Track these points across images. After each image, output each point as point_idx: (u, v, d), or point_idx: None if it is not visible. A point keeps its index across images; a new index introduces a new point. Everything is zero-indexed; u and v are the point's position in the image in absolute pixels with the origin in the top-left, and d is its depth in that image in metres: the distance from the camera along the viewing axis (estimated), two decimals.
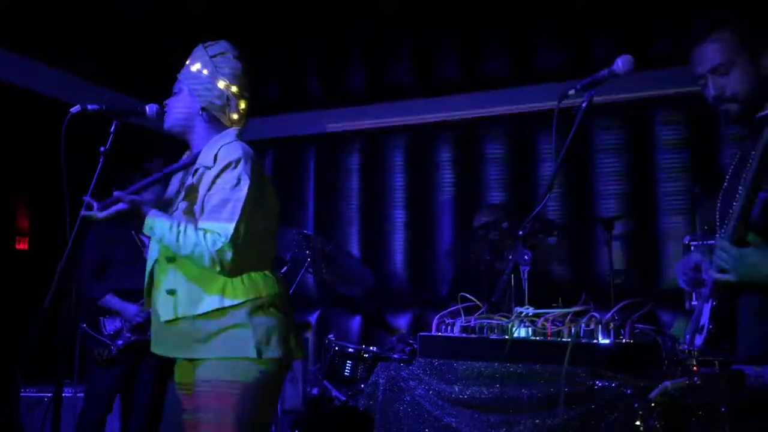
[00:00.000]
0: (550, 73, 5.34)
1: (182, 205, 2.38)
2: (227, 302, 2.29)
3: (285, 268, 4.34)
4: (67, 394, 3.99)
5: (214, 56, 2.47)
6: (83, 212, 2.27)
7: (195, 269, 2.30)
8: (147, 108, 2.41)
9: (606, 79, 2.15)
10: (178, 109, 2.46)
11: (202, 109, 2.44)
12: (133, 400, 4.16)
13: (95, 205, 2.29)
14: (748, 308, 1.94)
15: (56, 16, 4.51)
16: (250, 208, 2.29)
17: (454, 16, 4.75)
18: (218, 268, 2.23)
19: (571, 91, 2.16)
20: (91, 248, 4.10)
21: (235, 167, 2.30)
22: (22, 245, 5.05)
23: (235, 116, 2.48)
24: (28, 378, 4.45)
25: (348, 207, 6.18)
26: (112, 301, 4.09)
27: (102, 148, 2.32)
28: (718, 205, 2.17)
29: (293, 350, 2.40)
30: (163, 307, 2.35)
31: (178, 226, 2.26)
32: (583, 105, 2.11)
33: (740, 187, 1.97)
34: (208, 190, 2.32)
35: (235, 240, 2.23)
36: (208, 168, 2.35)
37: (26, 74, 5.08)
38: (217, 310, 2.29)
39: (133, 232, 4.18)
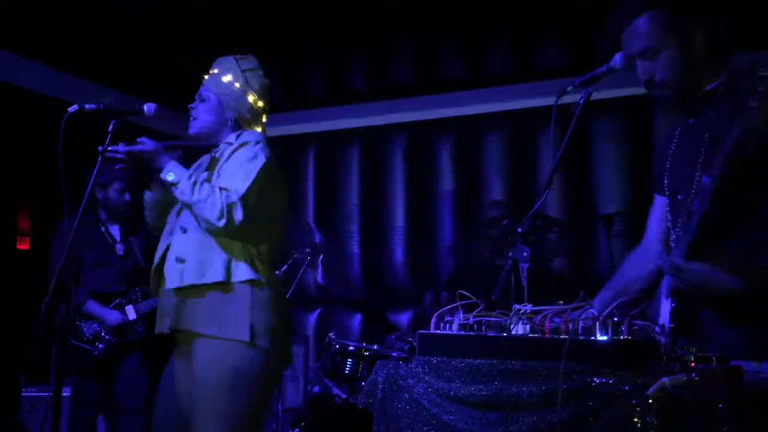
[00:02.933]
0: (552, 70, 5.34)
1: (202, 176, 2.49)
2: (233, 276, 2.37)
3: (286, 266, 4.34)
4: (66, 394, 3.98)
5: (246, 71, 2.61)
6: (109, 150, 2.33)
7: (205, 240, 2.39)
8: (145, 107, 2.41)
9: (604, 75, 2.14)
10: (208, 117, 2.59)
11: (232, 120, 2.61)
12: (119, 400, 4.06)
13: (120, 147, 2.36)
14: (717, 309, 1.88)
15: (56, 15, 4.51)
16: (263, 181, 2.41)
17: (456, 13, 4.74)
18: (225, 221, 2.30)
19: (570, 87, 2.15)
20: (60, 251, 3.96)
21: (254, 145, 2.47)
22: (24, 245, 5.06)
23: (258, 129, 2.66)
24: (29, 378, 4.45)
25: (348, 204, 6.18)
26: (92, 307, 4.00)
27: (100, 148, 2.33)
28: (666, 192, 2.09)
29: (285, 348, 2.48)
30: (170, 275, 2.43)
31: (197, 177, 2.40)
32: (581, 101, 2.11)
33: (698, 172, 1.89)
34: (226, 161, 2.47)
35: (246, 198, 2.34)
36: (229, 144, 2.52)
37: (25, 74, 5.08)
38: (221, 283, 2.36)
39: (102, 229, 4.11)
